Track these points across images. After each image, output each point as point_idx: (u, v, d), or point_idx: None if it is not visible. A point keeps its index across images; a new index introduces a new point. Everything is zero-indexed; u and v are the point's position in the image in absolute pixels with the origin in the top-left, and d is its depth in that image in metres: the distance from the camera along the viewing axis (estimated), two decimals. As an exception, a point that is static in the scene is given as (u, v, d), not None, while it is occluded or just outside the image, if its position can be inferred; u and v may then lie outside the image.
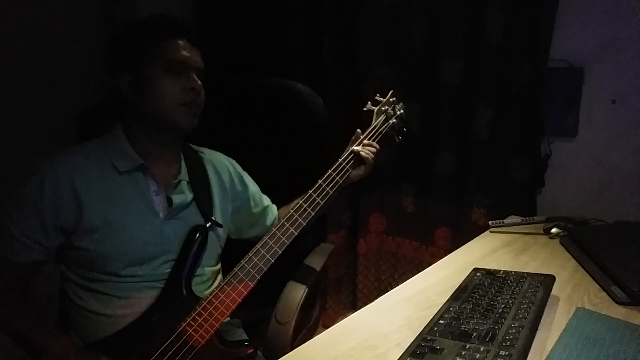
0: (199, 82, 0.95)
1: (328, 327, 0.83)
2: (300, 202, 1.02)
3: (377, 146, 1.15)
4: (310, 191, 1.03)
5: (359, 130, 1.15)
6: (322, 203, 1.03)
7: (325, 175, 1.06)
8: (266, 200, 1.20)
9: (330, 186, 1.05)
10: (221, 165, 1.12)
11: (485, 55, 1.50)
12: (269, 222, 1.18)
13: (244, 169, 1.18)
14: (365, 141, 1.13)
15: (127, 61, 0.94)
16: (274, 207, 1.22)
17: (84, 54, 1.72)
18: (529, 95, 1.46)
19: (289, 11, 1.83)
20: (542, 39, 1.43)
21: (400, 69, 1.69)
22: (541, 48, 1.43)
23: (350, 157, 1.10)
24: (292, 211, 1.00)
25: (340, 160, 1.09)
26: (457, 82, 1.58)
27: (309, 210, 1.01)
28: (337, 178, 1.06)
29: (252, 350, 0.96)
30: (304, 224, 1.01)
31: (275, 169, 1.33)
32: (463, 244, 1.27)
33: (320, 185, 1.04)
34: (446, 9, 1.56)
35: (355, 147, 1.11)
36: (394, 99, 1.21)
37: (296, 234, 0.99)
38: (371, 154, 1.12)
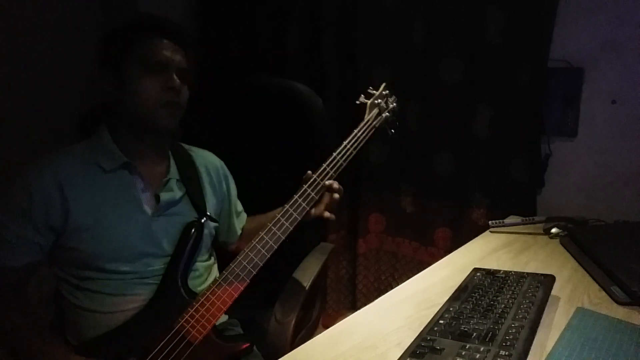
0: (178, 81, 0.94)
1: (328, 327, 0.83)
2: (296, 197, 1.01)
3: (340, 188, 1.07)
4: (294, 197, 1.01)
5: (309, 172, 1.03)
6: (304, 205, 1.00)
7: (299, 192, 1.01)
8: (240, 207, 1.20)
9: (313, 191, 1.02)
10: (211, 163, 1.13)
11: (485, 55, 1.50)
12: (238, 229, 1.18)
13: (243, 170, 1.18)
14: (327, 182, 1.02)
15: (110, 60, 0.94)
16: (245, 215, 1.22)
17: (83, 54, 1.71)
18: (529, 95, 1.46)
19: (289, 11, 1.83)
20: (542, 39, 1.43)
21: (400, 69, 1.69)
22: (541, 48, 1.43)
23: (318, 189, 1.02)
24: (287, 206, 1.00)
25: (307, 188, 1.01)
26: (457, 82, 1.58)
27: (303, 204, 1.01)
28: (313, 194, 1.01)
29: (248, 344, 0.97)
30: (299, 218, 1.00)
31: (274, 169, 1.33)
32: (463, 244, 1.27)
33: (305, 190, 1.01)
34: (446, 9, 1.56)
35: (328, 182, 1.02)
36: (387, 92, 1.18)
37: (291, 228, 0.99)
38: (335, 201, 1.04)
